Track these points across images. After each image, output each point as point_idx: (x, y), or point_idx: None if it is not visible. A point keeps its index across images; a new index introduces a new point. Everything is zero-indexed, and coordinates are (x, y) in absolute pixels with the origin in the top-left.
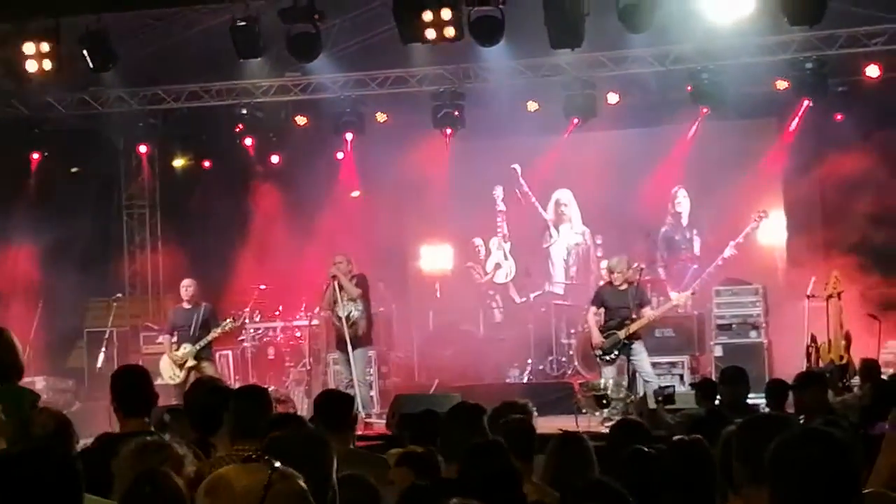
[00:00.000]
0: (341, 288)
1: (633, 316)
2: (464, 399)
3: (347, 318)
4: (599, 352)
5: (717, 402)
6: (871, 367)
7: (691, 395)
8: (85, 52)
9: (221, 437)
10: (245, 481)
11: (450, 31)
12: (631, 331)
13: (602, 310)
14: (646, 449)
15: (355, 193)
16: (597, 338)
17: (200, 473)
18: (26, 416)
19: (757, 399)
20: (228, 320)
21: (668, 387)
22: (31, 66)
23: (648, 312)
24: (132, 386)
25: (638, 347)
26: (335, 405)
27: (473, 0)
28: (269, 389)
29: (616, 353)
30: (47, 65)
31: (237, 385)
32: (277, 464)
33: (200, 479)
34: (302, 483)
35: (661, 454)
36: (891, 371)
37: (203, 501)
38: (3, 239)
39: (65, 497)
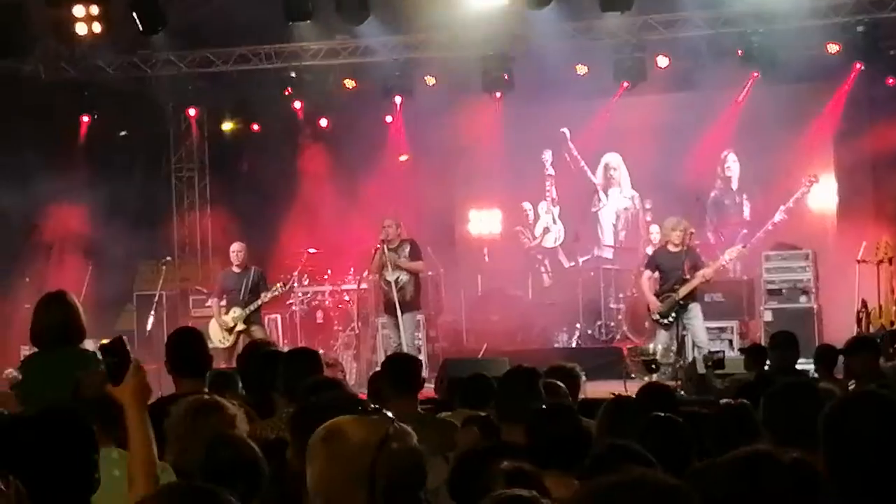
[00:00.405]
0: (390, 251)
1: (687, 277)
2: (513, 363)
3: (396, 282)
4: (657, 315)
5: (766, 367)
6: None
7: (741, 361)
8: (134, 14)
9: (278, 398)
10: (362, 434)
11: None
12: (686, 291)
13: (657, 273)
14: (663, 415)
15: (404, 157)
16: (653, 302)
17: (254, 433)
18: None
19: (807, 364)
20: (278, 285)
21: (717, 352)
22: (80, 29)
23: (703, 271)
24: (188, 348)
25: (695, 310)
26: (404, 367)
27: None
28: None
29: (673, 315)
30: (97, 27)
31: (286, 349)
32: (391, 415)
33: (255, 440)
34: (416, 442)
35: (705, 418)
36: None
37: (318, 448)
38: (54, 201)
39: (72, 458)
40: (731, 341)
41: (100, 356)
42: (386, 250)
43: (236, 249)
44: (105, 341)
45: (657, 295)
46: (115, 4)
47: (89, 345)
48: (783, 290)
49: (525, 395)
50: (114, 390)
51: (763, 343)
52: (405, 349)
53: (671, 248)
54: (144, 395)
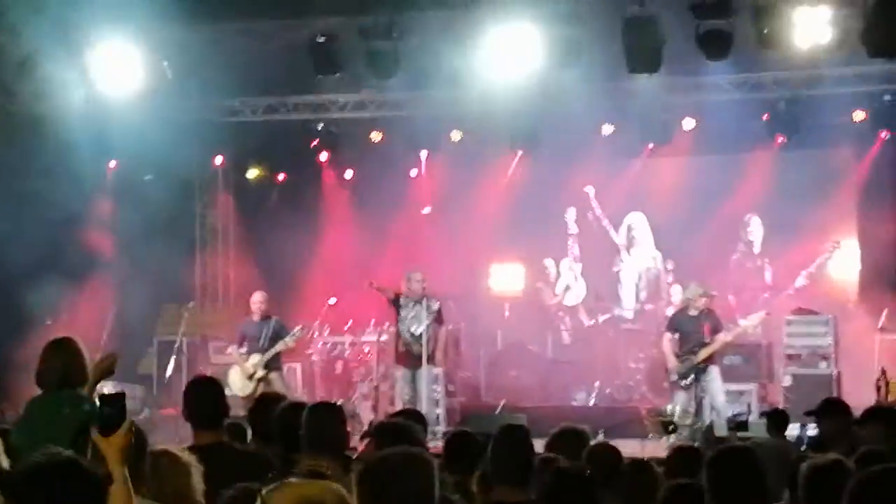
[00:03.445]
0: (416, 305)
1: (707, 341)
2: (530, 420)
3: (421, 336)
4: (675, 377)
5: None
6: None
7: (761, 424)
8: (165, 62)
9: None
10: None
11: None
12: (705, 355)
13: (677, 335)
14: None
15: (426, 210)
16: (672, 363)
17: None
18: (83, 422)
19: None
20: (298, 328)
21: (740, 414)
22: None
23: (721, 336)
24: (204, 399)
25: (713, 373)
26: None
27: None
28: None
29: (692, 377)
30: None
31: (304, 398)
32: None
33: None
34: None
35: None
36: None
37: None
38: (79, 243)
39: None
40: (749, 404)
41: (98, 403)
42: (426, 305)
43: (257, 300)
44: (107, 391)
45: (677, 356)
46: (146, 52)
47: (108, 387)
48: (803, 355)
49: (517, 454)
50: (100, 440)
51: (782, 407)
52: (423, 403)
53: (691, 311)
54: (127, 455)
